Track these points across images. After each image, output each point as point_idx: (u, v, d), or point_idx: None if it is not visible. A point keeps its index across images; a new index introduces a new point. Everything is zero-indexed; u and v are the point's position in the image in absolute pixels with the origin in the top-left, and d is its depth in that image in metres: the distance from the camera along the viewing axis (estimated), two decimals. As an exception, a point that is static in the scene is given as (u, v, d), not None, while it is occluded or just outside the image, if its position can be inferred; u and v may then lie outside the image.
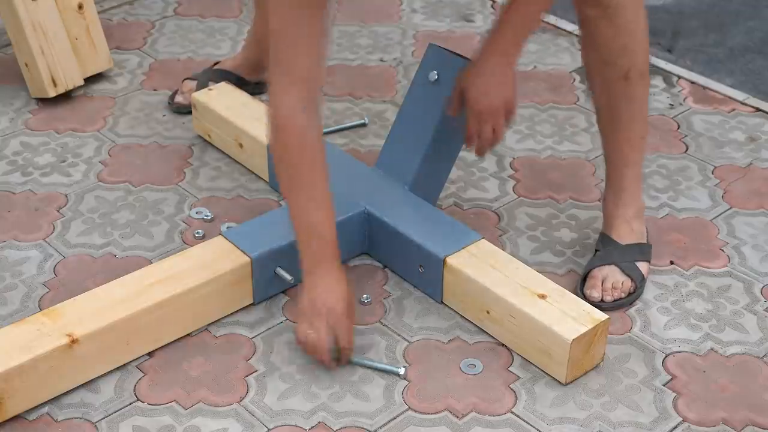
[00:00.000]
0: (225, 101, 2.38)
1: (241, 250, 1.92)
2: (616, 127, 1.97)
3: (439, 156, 2.08)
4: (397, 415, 1.75)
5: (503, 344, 1.88)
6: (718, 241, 2.15)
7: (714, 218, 2.22)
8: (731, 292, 2.02)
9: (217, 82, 2.48)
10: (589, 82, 1.97)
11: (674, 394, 1.80)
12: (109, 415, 1.74)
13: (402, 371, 1.81)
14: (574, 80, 2.71)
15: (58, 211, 2.20)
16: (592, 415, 1.75)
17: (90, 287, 1.92)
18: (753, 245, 2.14)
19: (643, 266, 2.01)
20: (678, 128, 2.53)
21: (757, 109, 2.61)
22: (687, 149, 2.45)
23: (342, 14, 3.02)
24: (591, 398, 1.79)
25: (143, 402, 1.76)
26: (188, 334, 1.89)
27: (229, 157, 2.37)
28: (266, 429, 1.72)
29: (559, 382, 1.81)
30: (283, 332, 1.91)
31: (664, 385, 1.81)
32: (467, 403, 1.77)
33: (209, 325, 1.92)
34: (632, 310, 1.97)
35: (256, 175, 2.32)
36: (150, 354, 1.85)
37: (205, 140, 2.43)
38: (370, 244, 2.07)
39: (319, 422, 1.73)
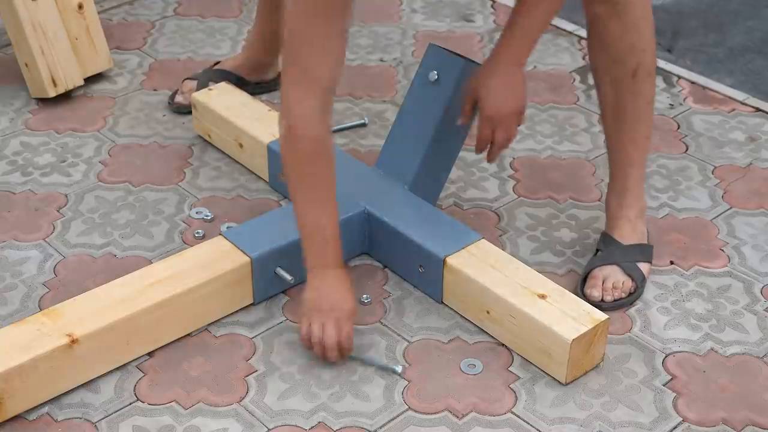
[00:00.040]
0: (225, 101, 2.38)
1: (241, 250, 1.92)
2: (622, 127, 1.97)
3: (439, 156, 2.08)
4: (397, 415, 1.75)
5: (503, 344, 1.88)
6: (718, 241, 2.15)
7: (714, 218, 2.22)
8: (731, 292, 2.02)
9: (217, 82, 2.48)
10: (596, 82, 1.97)
11: (674, 394, 1.80)
12: (109, 415, 1.74)
13: (400, 369, 1.81)
14: (574, 80, 2.71)
15: (58, 211, 2.20)
16: (592, 415, 1.75)
17: (90, 287, 1.92)
18: (753, 245, 2.14)
19: (644, 267, 2.01)
20: (678, 128, 2.53)
21: (757, 109, 2.61)
22: (687, 149, 2.45)
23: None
24: (591, 398, 1.79)
25: (143, 402, 1.76)
26: (188, 334, 1.89)
27: (229, 157, 2.37)
28: (266, 429, 1.72)
29: (559, 382, 1.81)
30: (283, 332, 1.91)
31: (664, 385, 1.81)
32: (467, 403, 1.77)
33: (209, 325, 1.92)
34: (632, 310, 1.97)
35: (256, 175, 2.32)
36: (150, 354, 1.85)
37: (205, 140, 2.43)
38: (370, 244, 2.07)
39: (319, 422, 1.73)
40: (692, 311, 1.97)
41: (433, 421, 1.74)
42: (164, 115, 2.53)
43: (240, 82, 2.53)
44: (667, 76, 2.73)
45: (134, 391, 1.78)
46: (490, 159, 1.93)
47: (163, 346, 1.86)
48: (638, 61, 1.90)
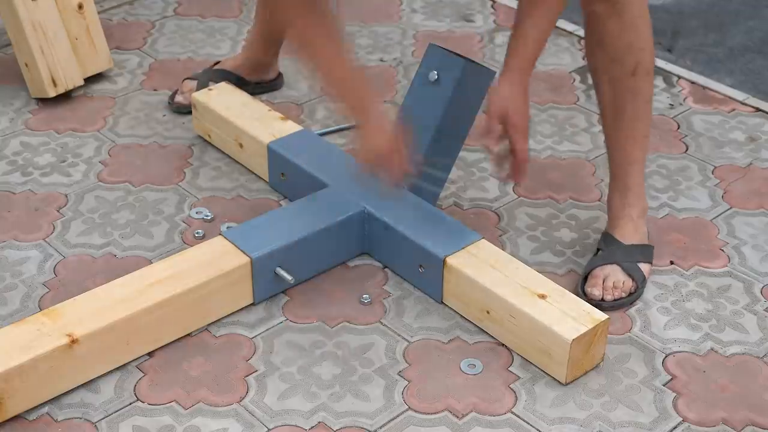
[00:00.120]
0: (225, 101, 2.38)
1: (241, 250, 1.92)
2: (621, 125, 1.97)
3: (439, 156, 2.08)
4: (397, 415, 1.75)
5: (503, 344, 1.88)
6: (718, 241, 2.15)
7: (714, 218, 2.22)
8: (731, 292, 2.02)
9: (217, 82, 2.48)
10: (595, 81, 1.98)
11: (674, 394, 1.80)
12: (109, 415, 1.74)
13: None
14: (574, 80, 2.71)
15: (58, 211, 2.20)
16: (592, 415, 1.75)
17: (90, 287, 1.92)
18: (753, 245, 2.14)
19: (644, 267, 2.01)
20: (678, 128, 2.53)
21: (757, 109, 2.61)
22: (687, 149, 2.45)
23: (342, 14, 3.02)
24: (591, 398, 1.79)
25: (143, 402, 1.76)
26: (188, 334, 1.89)
27: (229, 157, 2.37)
28: (266, 429, 1.72)
29: (559, 382, 1.81)
30: (283, 332, 1.91)
31: (664, 385, 1.81)
32: (467, 403, 1.77)
33: (209, 325, 1.92)
34: (632, 310, 1.97)
35: (256, 175, 2.32)
36: (150, 354, 1.85)
37: (205, 140, 2.43)
38: (370, 244, 2.07)
39: (319, 422, 1.73)
40: (692, 311, 1.97)
41: (433, 421, 1.74)
42: (164, 115, 2.53)
43: (240, 82, 2.53)
44: (667, 76, 2.73)
45: (134, 391, 1.78)
46: (518, 177, 1.90)
47: (163, 346, 1.86)
48: (637, 60, 1.90)
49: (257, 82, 2.58)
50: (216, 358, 1.85)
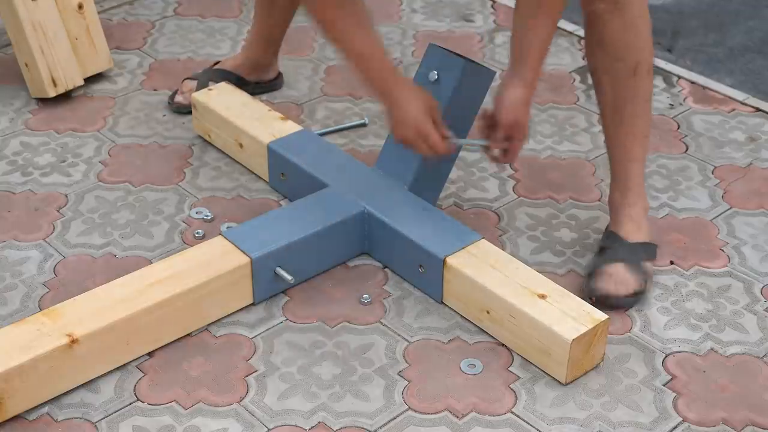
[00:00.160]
0: (225, 101, 2.38)
1: (241, 250, 1.92)
2: (621, 124, 1.97)
3: (439, 156, 2.08)
4: (397, 415, 1.75)
5: (503, 344, 1.88)
6: (718, 241, 2.15)
7: (714, 218, 2.22)
8: (731, 292, 2.02)
9: (217, 82, 2.48)
10: (595, 81, 1.98)
11: (674, 394, 1.80)
12: (109, 415, 1.74)
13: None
14: (574, 80, 2.71)
15: (58, 211, 2.20)
16: (592, 415, 1.75)
17: (90, 287, 1.92)
18: (753, 245, 2.14)
19: (648, 266, 2.01)
20: (678, 128, 2.53)
21: (757, 109, 2.61)
22: (687, 149, 2.45)
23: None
24: (591, 398, 1.79)
25: (143, 402, 1.76)
26: (188, 334, 1.89)
27: (229, 157, 2.37)
28: (266, 429, 1.72)
29: (559, 382, 1.81)
30: (283, 332, 1.91)
31: (664, 385, 1.81)
32: (467, 403, 1.77)
33: (209, 325, 1.92)
34: (632, 310, 1.97)
35: (256, 175, 2.32)
36: (150, 354, 1.85)
37: (205, 140, 2.43)
38: (370, 244, 2.07)
39: (319, 422, 1.73)
40: (692, 311, 1.97)
41: (433, 421, 1.74)
42: (164, 115, 2.53)
43: (240, 82, 2.53)
44: (667, 76, 2.73)
45: (134, 391, 1.78)
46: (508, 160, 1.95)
47: (163, 346, 1.86)
48: (638, 59, 1.91)
49: (257, 82, 2.58)
50: (216, 358, 1.85)
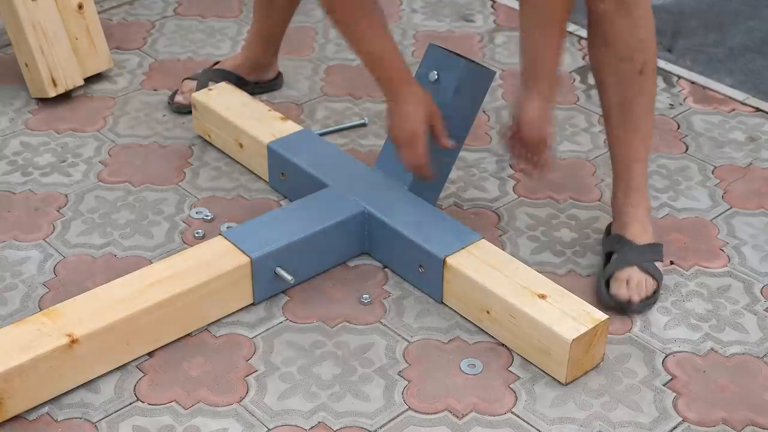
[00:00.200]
0: (225, 101, 2.38)
1: (241, 250, 1.92)
2: (627, 124, 1.96)
3: (439, 156, 2.08)
4: (397, 415, 1.75)
5: (503, 344, 1.88)
6: (718, 241, 2.15)
7: (714, 218, 2.22)
8: (731, 292, 2.02)
9: (217, 82, 2.48)
10: (599, 81, 1.96)
11: (674, 394, 1.80)
12: (109, 415, 1.74)
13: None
14: (574, 80, 2.71)
15: (58, 211, 2.20)
16: (592, 415, 1.75)
17: (90, 287, 1.93)
18: (753, 245, 2.14)
19: (659, 265, 2.00)
20: (678, 128, 2.53)
21: (757, 109, 2.61)
22: (687, 149, 2.45)
23: None
24: (591, 398, 1.79)
25: (143, 402, 1.76)
26: (188, 334, 1.89)
27: (229, 157, 2.37)
28: (266, 429, 1.72)
29: (559, 382, 1.81)
30: (283, 332, 1.91)
31: (664, 385, 1.81)
32: (467, 403, 1.77)
33: (209, 325, 1.92)
34: (632, 310, 1.97)
35: (256, 175, 2.32)
36: (150, 354, 1.85)
37: (205, 140, 2.43)
38: (370, 244, 2.07)
39: (319, 422, 1.73)
40: (692, 311, 1.97)
41: (433, 421, 1.74)
42: (164, 115, 2.53)
43: (240, 82, 2.53)
44: (667, 76, 2.73)
45: (134, 391, 1.78)
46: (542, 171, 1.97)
47: (163, 346, 1.86)
48: (645, 58, 1.90)
49: (256, 82, 2.58)
50: (216, 358, 1.85)
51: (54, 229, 2.15)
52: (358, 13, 1.85)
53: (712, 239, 2.16)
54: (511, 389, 1.80)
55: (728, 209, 2.25)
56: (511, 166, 1.96)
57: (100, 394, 1.77)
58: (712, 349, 1.89)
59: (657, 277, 1.98)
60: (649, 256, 1.99)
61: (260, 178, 2.31)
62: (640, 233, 2.01)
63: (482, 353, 1.87)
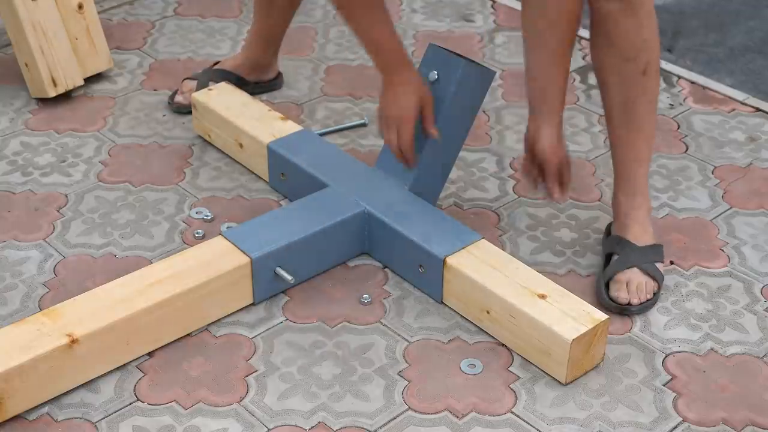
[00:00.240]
0: (225, 101, 2.38)
1: (241, 250, 1.92)
2: (631, 125, 1.96)
3: (439, 156, 2.08)
4: (397, 415, 1.75)
5: (503, 344, 1.88)
6: (718, 241, 2.15)
7: (714, 218, 2.22)
8: (731, 292, 2.02)
9: (217, 82, 2.48)
10: (601, 81, 1.95)
11: (674, 394, 1.80)
12: (109, 415, 1.74)
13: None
14: (574, 80, 2.71)
15: (58, 211, 2.20)
16: (592, 415, 1.75)
17: (90, 287, 1.93)
18: (753, 245, 2.14)
19: (660, 267, 2.00)
20: (678, 128, 2.53)
21: (757, 109, 2.61)
22: (687, 149, 2.45)
23: (342, 14, 3.02)
24: (591, 398, 1.79)
25: (143, 402, 1.76)
26: (188, 334, 1.89)
27: (229, 157, 2.37)
28: (266, 429, 1.72)
29: (559, 382, 1.81)
30: (283, 332, 1.91)
31: (664, 385, 1.81)
32: (467, 403, 1.77)
33: (209, 325, 1.92)
34: (632, 310, 1.97)
35: (256, 175, 2.32)
36: (150, 354, 1.85)
37: (205, 140, 2.43)
38: (370, 244, 2.07)
39: (319, 422, 1.73)
40: (692, 311, 1.97)
41: (433, 421, 1.74)
42: (164, 115, 2.53)
43: (240, 82, 2.53)
44: (667, 76, 2.73)
45: (134, 391, 1.78)
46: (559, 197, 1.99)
47: (163, 346, 1.86)
48: (648, 59, 1.89)
49: (256, 82, 2.58)
50: (216, 358, 1.85)
51: (54, 229, 2.15)
52: (361, 2, 1.88)
53: (712, 239, 2.16)
54: (511, 389, 1.80)
55: (728, 209, 2.25)
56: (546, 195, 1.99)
57: (100, 394, 1.77)
58: (712, 349, 1.89)
59: (658, 278, 1.98)
60: (649, 257, 1.99)
61: (260, 178, 2.31)
62: (640, 234, 2.01)
63: (482, 353, 1.87)
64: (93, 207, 2.21)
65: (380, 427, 1.73)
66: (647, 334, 1.92)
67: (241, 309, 1.95)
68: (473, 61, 2.04)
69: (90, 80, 2.64)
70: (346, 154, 2.23)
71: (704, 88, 2.69)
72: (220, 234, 1.99)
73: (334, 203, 2.05)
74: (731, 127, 2.53)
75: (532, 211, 2.23)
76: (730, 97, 2.65)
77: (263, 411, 1.75)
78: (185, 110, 2.51)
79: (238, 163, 2.36)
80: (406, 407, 1.76)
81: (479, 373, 1.82)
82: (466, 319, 1.94)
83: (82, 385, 1.78)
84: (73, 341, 1.73)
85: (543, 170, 1.94)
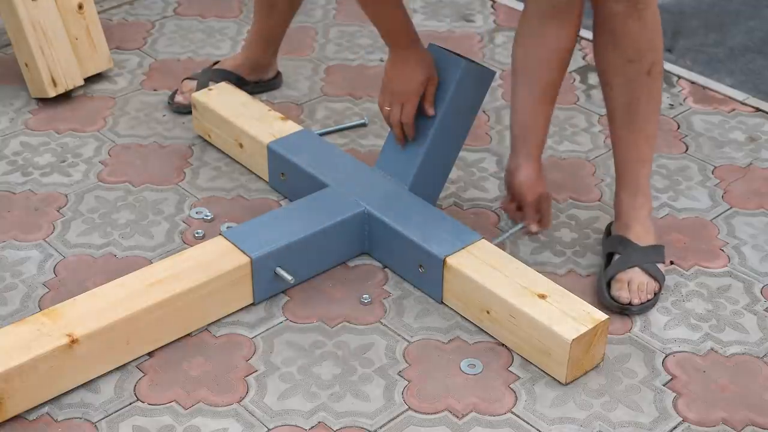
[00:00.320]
0: (225, 101, 2.38)
1: (241, 250, 1.92)
2: (635, 126, 1.95)
3: (439, 156, 2.08)
4: (397, 415, 1.75)
5: (503, 344, 1.88)
6: (718, 241, 2.15)
7: (714, 218, 2.22)
8: (731, 292, 2.02)
9: (217, 82, 2.48)
10: (604, 82, 1.94)
11: (674, 394, 1.80)
12: (109, 415, 1.74)
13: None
14: (574, 80, 2.71)
15: (58, 211, 2.20)
16: (592, 415, 1.75)
17: (90, 287, 1.93)
18: (753, 245, 2.14)
19: (661, 267, 2.00)
20: (678, 128, 2.53)
21: (757, 109, 2.61)
22: (687, 149, 2.45)
23: (342, 14, 3.02)
24: (591, 398, 1.79)
25: (143, 402, 1.76)
26: (188, 334, 1.89)
27: (229, 157, 2.37)
28: (266, 429, 1.72)
29: (559, 382, 1.81)
30: (283, 332, 1.91)
31: (664, 385, 1.81)
32: (467, 403, 1.77)
33: (209, 325, 1.92)
34: (632, 310, 1.97)
35: (256, 175, 2.32)
36: (150, 354, 1.85)
37: (205, 140, 2.43)
38: (370, 244, 2.07)
39: (319, 422, 1.73)
40: (692, 311, 1.97)
41: (433, 421, 1.74)
42: (164, 115, 2.53)
43: (240, 82, 2.53)
44: (667, 76, 2.73)
45: (134, 391, 1.78)
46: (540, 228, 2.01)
47: (163, 346, 1.86)
48: (653, 60, 1.89)
49: (257, 82, 2.59)
50: (216, 358, 1.85)
51: (54, 229, 2.15)
52: None
53: (712, 239, 2.16)
54: (511, 389, 1.80)
55: (728, 209, 2.25)
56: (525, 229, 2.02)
57: (100, 394, 1.77)
58: (712, 349, 1.89)
59: (659, 279, 1.98)
60: (651, 257, 1.99)
61: (260, 178, 2.31)
62: (643, 235, 2.01)
63: (482, 353, 1.87)
64: (93, 207, 2.21)
65: (380, 427, 1.73)
66: (647, 334, 1.92)
67: (241, 309, 1.95)
68: (473, 61, 2.04)
69: (90, 80, 2.64)
70: (346, 154, 2.23)
71: (704, 88, 2.69)
72: (220, 234, 1.99)
73: (334, 203, 2.05)
74: (731, 127, 2.53)
75: (532, 211, 2.23)
76: (730, 97, 2.65)
77: (263, 411, 1.75)
78: (185, 110, 2.51)
79: (238, 163, 2.36)
80: (406, 407, 1.76)
81: (479, 373, 1.82)
82: (466, 319, 1.94)
83: (82, 385, 1.78)
84: (73, 341, 1.73)
85: (521, 206, 1.96)
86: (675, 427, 1.74)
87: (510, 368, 1.84)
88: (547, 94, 1.89)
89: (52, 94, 2.52)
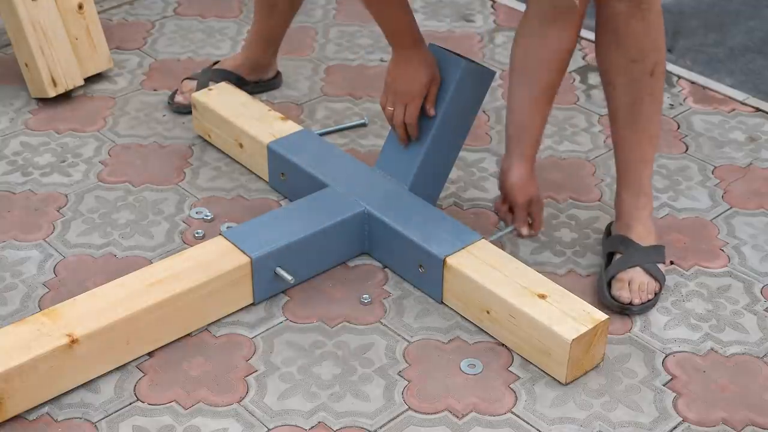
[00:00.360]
0: (225, 101, 2.38)
1: (241, 250, 1.92)
2: (637, 126, 1.95)
3: (439, 156, 2.08)
4: (397, 415, 1.75)
5: (503, 344, 1.88)
6: (718, 241, 2.15)
7: (714, 218, 2.22)
8: (731, 292, 2.02)
9: (217, 82, 2.48)
10: (607, 82, 1.94)
11: (674, 394, 1.80)
12: (109, 415, 1.74)
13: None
14: (574, 80, 2.71)
15: (58, 211, 2.20)
16: (592, 415, 1.75)
17: (90, 287, 1.93)
18: (753, 245, 2.14)
19: (662, 267, 2.00)
20: (678, 128, 2.53)
21: (757, 109, 2.61)
22: (687, 149, 2.45)
23: (342, 14, 3.02)
24: (591, 398, 1.79)
25: (143, 402, 1.76)
26: (188, 334, 1.89)
27: (229, 157, 2.37)
28: (266, 429, 1.72)
29: (559, 382, 1.81)
30: (283, 332, 1.91)
31: (664, 385, 1.81)
32: (467, 403, 1.77)
33: (209, 325, 1.92)
34: (632, 310, 1.97)
35: (256, 175, 2.32)
36: (150, 354, 1.85)
37: (205, 140, 2.43)
38: (370, 244, 2.07)
39: (319, 422, 1.73)
40: (692, 311, 1.97)
41: (433, 421, 1.74)
42: (164, 115, 2.53)
43: (240, 82, 2.53)
44: (667, 76, 2.72)
45: (134, 391, 1.78)
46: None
47: (163, 346, 1.86)
48: (656, 60, 1.88)
49: (257, 82, 2.59)
50: (216, 358, 1.85)
51: (54, 229, 2.15)
52: None
53: (712, 239, 2.16)
54: (511, 389, 1.80)
55: (728, 209, 2.25)
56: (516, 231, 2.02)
57: (100, 394, 1.77)
58: (712, 349, 1.89)
59: (660, 279, 1.98)
60: (652, 257, 1.99)
61: (260, 178, 2.31)
62: (644, 235, 2.01)
63: (482, 353, 1.87)
64: (93, 207, 2.21)
65: (380, 427, 1.73)
66: (647, 334, 1.92)
67: (241, 309, 1.95)
68: (473, 61, 2.04)
69: (90, 80, 2.64)
70: (346, 154, 2.23)
71: (704, 88, 2.69)
72: (220, 234, 1.99)
73: (334, 203, 2.05)
74: (731, 127, 2.53)
75: (532, 211, 2.23)
76: (730, 97, 2.65)
77: (263, 411, 1.75)
78: (185, 110, 2.51)
79: (238, 163, 2.36)
80: (406, 407, 1.76)
81: (479, 373, 1.82)
82: (466, 319, 1.94)
83: (82, 385, 1.78)
84: (73, 341, 1.73)
85: (512, 208, 1.96)
86: (675, 427, 1.74)
87: (510, 368, 1.84)
88: (546, 94, 1.88)
89: (52, 94, 2.52)
